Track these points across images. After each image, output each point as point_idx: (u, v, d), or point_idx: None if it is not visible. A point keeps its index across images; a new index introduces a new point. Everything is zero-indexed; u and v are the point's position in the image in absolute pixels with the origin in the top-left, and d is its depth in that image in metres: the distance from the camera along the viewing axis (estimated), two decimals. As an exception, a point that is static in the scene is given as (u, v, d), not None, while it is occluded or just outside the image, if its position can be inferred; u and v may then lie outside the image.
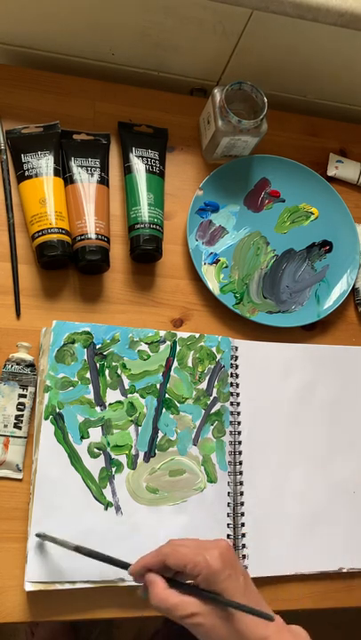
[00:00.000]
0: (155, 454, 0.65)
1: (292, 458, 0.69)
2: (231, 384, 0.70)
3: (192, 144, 0.81)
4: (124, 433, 0.64)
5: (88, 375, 0.65)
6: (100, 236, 0.68)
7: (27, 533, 0.60)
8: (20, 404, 0.63)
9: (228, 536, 0.64)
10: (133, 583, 0.59)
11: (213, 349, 0.70)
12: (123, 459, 0.64)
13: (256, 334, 0.74)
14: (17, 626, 1.13)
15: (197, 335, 0.70)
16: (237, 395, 0.70)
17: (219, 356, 0.70)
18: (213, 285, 0.74)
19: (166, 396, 0.67)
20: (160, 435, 0.65)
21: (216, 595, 0.46)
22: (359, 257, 0.80)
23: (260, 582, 0.64)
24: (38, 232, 0.67)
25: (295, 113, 0.88)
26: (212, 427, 0.67)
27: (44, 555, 0.58)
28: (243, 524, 0.65)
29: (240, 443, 0.68)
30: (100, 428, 0.64)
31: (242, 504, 0.66)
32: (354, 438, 0.72)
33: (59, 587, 0.57)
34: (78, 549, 0.53)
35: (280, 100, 0.90)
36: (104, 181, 0.72)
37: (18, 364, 0.63)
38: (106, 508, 0.61)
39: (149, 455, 0.65)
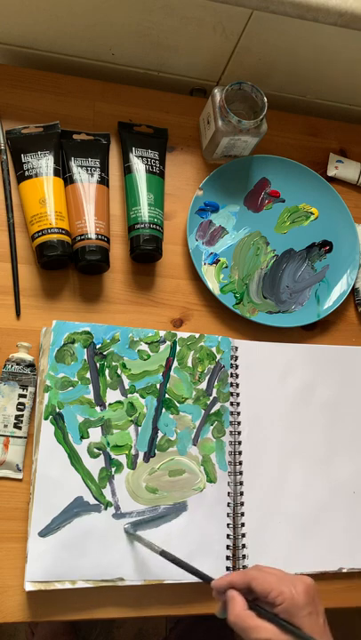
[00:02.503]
0: (154, 454, 0.65)
1: (292, 458, 0.69)
2: (231, 384, 0.70)
3: (192, 144, 0.81)
4: (124, 433, 0.64)
5: (88, 375, 0.65)
6: (99, 236, 0.68)
7: (27, 533, 0.60)
8: (19, 404, 0.63)
9: (228, 536, 0.64)
10: (133, 583, 0.59)
11: (213, 349, 0.70)
12: (122, 459, 0.64)
13: (256, 334, 0.74)
14: (17, 626, 1.13)
15: (197, 335, 0.70)
16: (237, 395, 0.70)
17: (219, 356, 0.70)
18: (213, 285, 0.74)
19: (166, 396, 0.67)
20: (160, 435, 0.65)
21: (296, 627, 0.46)
22: (359, 257, 0.80)
23: (260, 582, 0.64)
24: (38, 232, 0.67)
25: (295, 113, 0.88)
26: (211, 427, 0.67)
27: (44, 555, 0.58)
28: (243, 524, 0.65)
29: (240, 443, 0.68)
30: (99, 428, 0.64)
31: (242, 504, 0.66)
32: (354, 438, 0.72)
33: (59, 586, 0.57)
34: (163, 554, 0.56)
35: (280, 100, 0.90)
36: (104, 181, 0.72)
37: (18, 364, 0.63)
38: (105, 508, 0.61)
39: (149, 455, 0.65)
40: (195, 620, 0.99)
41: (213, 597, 0.51)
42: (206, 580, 0.52)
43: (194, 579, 0.61)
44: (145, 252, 0.71)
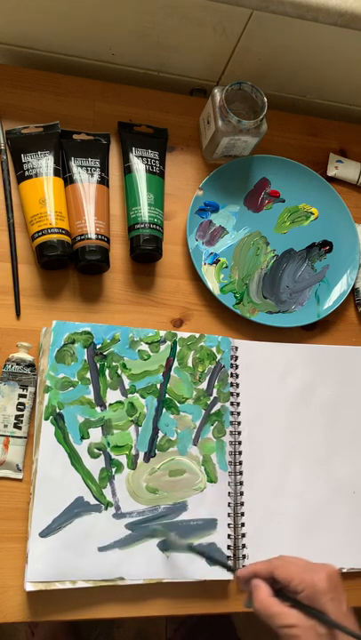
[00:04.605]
0: (155, 454, 0.65)
1: (292, 458, 0.69)
2: (231, 384, 0.70)
3: (192, 144, 0.81)
4: (124, 433, 0.64)
5: (88, 375, 0.65)
6: (99, 236, 0.68)
7: (27, 533, 0.60)
8: (20, 404, 0.63)
9: (229, 536, 0.64)
10: (133, 582, 0.59)
11: (213, 349, 0.70)
12: (123, 459, 0.64)
13: (256, 334, 0.74)
14: (17, 626, 1.13)
15: (197, 335, 0.70)
16: (237, 395, 0.70)
17: (219, 356, 0.70)
18: (213, 285, 0.74)
19: (166, 396, 0.67)
20: (160, 435, 0.65)
21: (321, 612, 0.47)
22: (359, 257, 0.80)
23: (261, 582, 0.64)
24: (38, 232, 0.67)
25: (295, 113, 0.88)
26: (212, 427, 0.67)
27: (45, 554, 0.58)
28: (243, 524, 0.65)
29: (240, 443, 0.68)
30: (100, 428, 0.64)
31: (242, 504, 0.66)
32: (354, 438, 0.72)
33: (59, 586, 0.57)
34: (191, 548, 0.57)
35: (280, 100, 0.90)
36: (104, 181, 0.72)
37: (18, 364, 0.63)
38: (106, 508, 0.61)
39: (149, 455, 0.65)
40: (198, 622, 0.99)
41: (240, 589, 0.51)
42: (231, 570, 0.53)
43: (194, 579, 0.61)
44: (145, 252, 0.71)
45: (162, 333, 0.69)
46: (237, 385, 0.70)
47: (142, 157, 0.74)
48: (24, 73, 0.77)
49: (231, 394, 0.69)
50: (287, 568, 0.49)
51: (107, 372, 0.66)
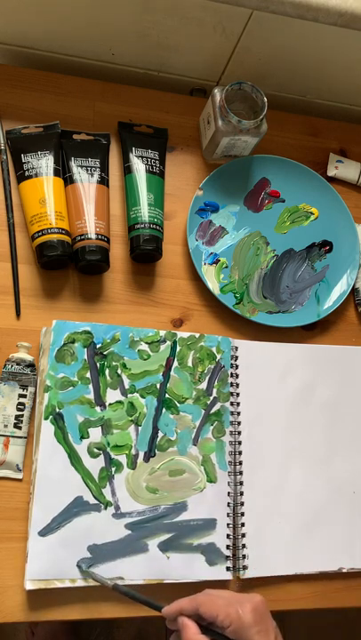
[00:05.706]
0: (155, 454, 0.65)
1: (292, 458, 0.69)
2: (231, 384, 0.70)
3: (192, 144, 0.81)
4: (124, 433, 0.64)
5: (88, 375, 0.65)
6: (99, 236, 0.68)
7: (27, 533, 0.60)
8: (20, 404, 0.63)
9: (228, 536, 0.64)
10: (133, 582, 0.60)
11: (213, 349, 0.70)
12: (122, 459, 0.64)
13: (256, 334, 0.74)
14: (17, 626, 1.13)
15: (197, 335, 0.70)
16: (237, 395, 0.70)
17: (219, 356, 0.70)
18: (213, 285, 0.74)
19: (166, 395, 0.67)
20: (160, 435, 0.65)
21: None
22: (359, 257, 0.80)
23: (261, 582, 0.64)
24: (38, 232, 0.67)
25: (295, 113, 0.88)
26: (211, 427, 0.67)
27: (44, 553, 0.58)
28: (243, 524, 0.65)
29: (240, 443, 0.68)
30: (99, 427, 0.64)
31: (242, 504, 0.66)
32: (354, 438, 0.72)
33: (59, 585, 0.57)
34: (116, 588, 0.55)
35: (280, 100, 0.90)
36: (104, 181, 0.72)
37: (18, 364, 0.63)
38: (105, 508, 0.61)
39: (149, 455, 0.65)
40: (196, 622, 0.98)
41: (168, 627, 0.51)
42: (157, 608, 0.52)
43: (194, 579, 0.61)
44: (145, 252, 0.71)
45: (162, 333, 0.69)
46: (237, 385, 0.70)
47: (142, 157, 0.74)
48: (24, 73, 0.77)
49: (231, 394, 0.69)
50: (212, 603, 0.48)
51: (107, 371, 0.66)
